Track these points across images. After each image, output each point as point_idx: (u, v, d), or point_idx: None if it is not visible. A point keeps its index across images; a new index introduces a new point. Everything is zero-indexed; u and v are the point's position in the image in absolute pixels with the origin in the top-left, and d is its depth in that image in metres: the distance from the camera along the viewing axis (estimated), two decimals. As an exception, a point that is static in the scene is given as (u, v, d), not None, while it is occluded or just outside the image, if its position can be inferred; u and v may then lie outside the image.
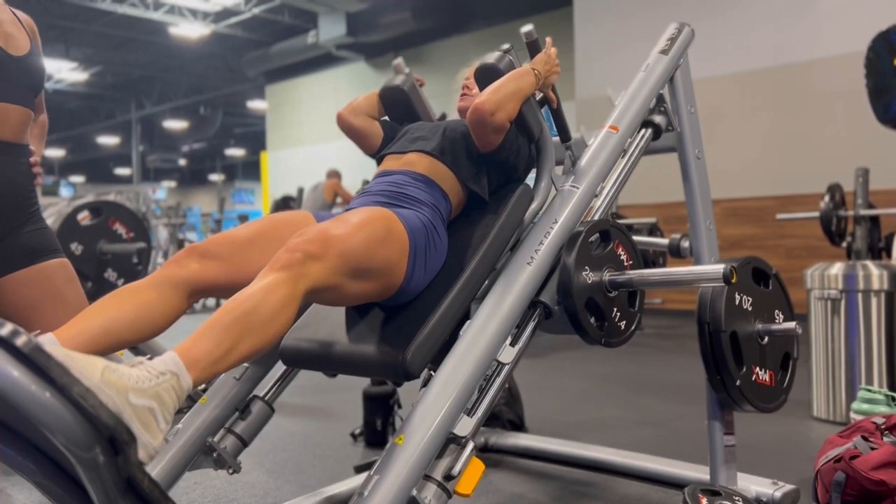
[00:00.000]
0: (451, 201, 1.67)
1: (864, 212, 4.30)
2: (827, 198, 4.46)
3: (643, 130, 1.94)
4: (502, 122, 1.60)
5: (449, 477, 1.30)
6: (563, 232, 1.64)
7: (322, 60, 14.10)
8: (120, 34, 14.35)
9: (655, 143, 1.97)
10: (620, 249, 1.68)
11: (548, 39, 1.82)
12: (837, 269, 3.18)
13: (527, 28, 1.77)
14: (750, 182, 7.11)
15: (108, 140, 23.53)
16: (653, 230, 5.59)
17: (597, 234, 1.65)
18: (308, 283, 1.24)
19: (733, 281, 1.52)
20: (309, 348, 1.57)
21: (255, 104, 18.57)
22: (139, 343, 1.33)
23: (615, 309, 1.62)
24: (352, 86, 14.33)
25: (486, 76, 1.71)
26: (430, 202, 1.59)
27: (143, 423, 0.99)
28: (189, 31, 13.16)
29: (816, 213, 4.48)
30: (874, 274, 3.10)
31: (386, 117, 1.96)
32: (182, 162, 27.26)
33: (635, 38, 7.20)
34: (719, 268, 1.51)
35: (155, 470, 1.51)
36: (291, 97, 15.63)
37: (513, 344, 1.48)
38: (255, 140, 22.45)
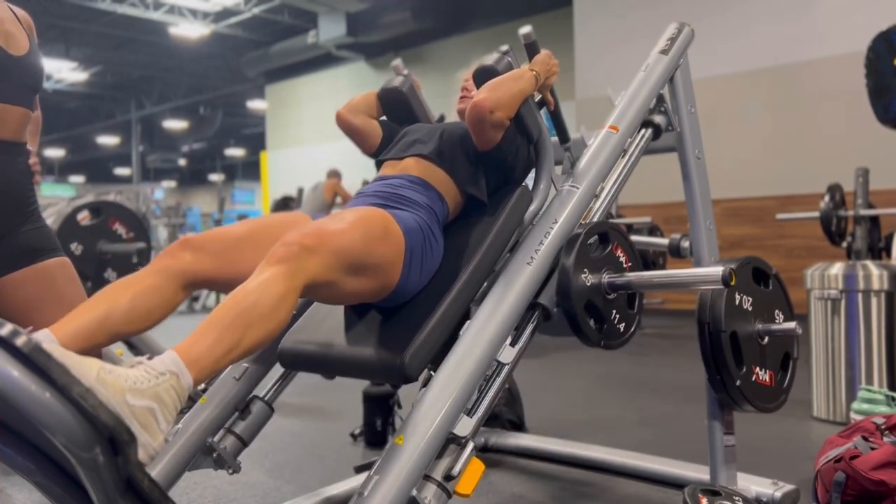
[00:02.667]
0: (448, 204, 1.67)
1: (864, 212, 4.30)
2: (827, 198, 4.46)
3: (643, 130, 1.93)
4: (501, 119, 1.60)
5: (449, 477, 1.30)
6: (562, 232, 1.64)
7: (322, 60, 14.10)
8: (120, 34, 14.35)
9: (655, 142, 1.97)
10: (619, 251, 1.67)
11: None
12: (837, 269, 3.18)
13: (525, 29, 1.77)
14: (750, 182, 7.11)
15: (108, 140, 23.53)
16: (652, 230, 5.58)
17: (595, 236, 1.64)
18: (305, 278, 1.24)
19: (732, 283, 1.51)
20: (307, 350, 1.57)
21: (255, 104, 18.57)
22: (135, 335, 1.34)
23: (614, 311, 1.62)
24: (352, 86, 14.31)
25: (485, 77, 1.71)
26: (426, 204, 1.59)
27: (143, 423, 0.98)
28: (189, 31, 13.16)
29: (816, 213, 4.48)
30: (874, 274, 3.10)
31: (384, 117, 1.96)
32: (182, 162, 27.27)
33: (635, 38, 7.19)
34: (718, 270, 1.50)
35: (155, 470, 1.51)
36: (291, 97, 15.62)
37: (513, 344, 1.48)
38: (255, 140, 22.45)
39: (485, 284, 1.58)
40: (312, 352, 1.56)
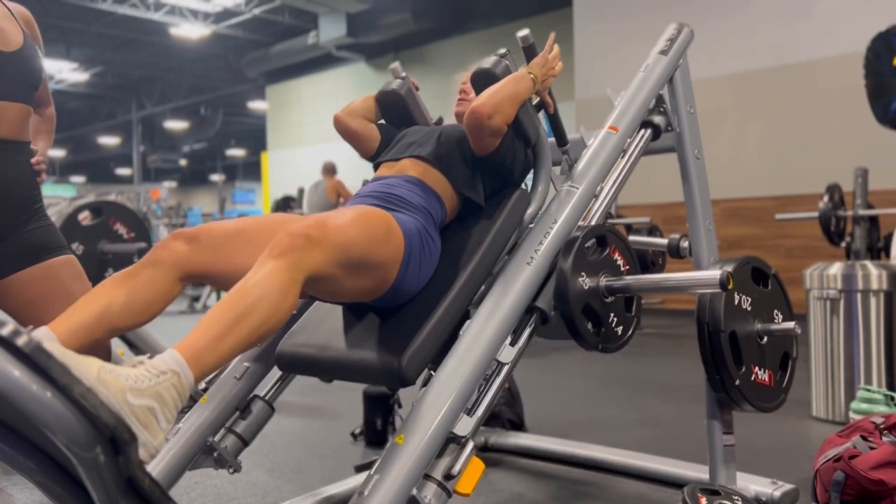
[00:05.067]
0: (446, 206, 1.66)
1: (863, 212, 4.30)
2: (826, 198, 4.46)
3: (642, 131, 1.94)
4: (499, 125, 1.60)
5: (449, 476, 1.31)
6: (562, 233, 1.64)
7: (322, 61, 14.11)
8: (121, 35, 14.36)
9: (655, 143, 1.97)
10: (617, 254, 1.66)
11: (551, 35, 1.81)
12: (836, 269, 3.18)
13: (523, 32, 1.76)
14: (749, 182, 7.12)
15: (109, 140, 23.55)
16: (652, 230, 5.58)
17: (593, 239, 1.64)
18: (307, 270, 1.24)
19: (730, 287, 1.50)
20: (304, 353, 1.57)
21: (256, 104, 18.58)
22: (134, 328, 1.34)
23: (612, 314, 1.61)
24: (352, 86, 14.33)
25: (482, 81, 1.71)
26: (423, 206, 1.58)
27: (143, 422, 0.99)
28: (189, 31, 13.17)
29: (816, 214, 4.48)
30: (873, 274, 3.10)
31: (383, 121, 1.96)
32: (183, 162, 27.27)
33: (635, 39, 7.19)
34: (716, 274, 1.50)
35: (155, 469, 1.51)
36: (292, 97, 15.63)
37: (512, 344, 1.48)
38: (256, 140, 22.46)
39: (483, 287, 1.58)
40: (310, 355, 1.56)
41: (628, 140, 1.88)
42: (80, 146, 24.95)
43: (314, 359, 1.55)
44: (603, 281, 1.60)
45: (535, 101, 1.78)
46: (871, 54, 3.81)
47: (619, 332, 1.62)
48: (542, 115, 1.82)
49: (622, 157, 1.86)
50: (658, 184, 5.74)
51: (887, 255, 4.25)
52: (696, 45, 2.15)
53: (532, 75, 1.70)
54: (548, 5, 10.77)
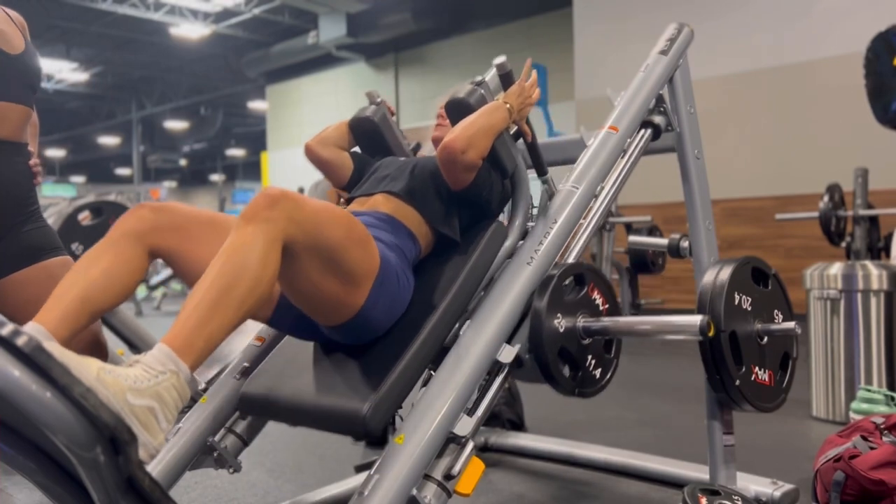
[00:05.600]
0: (420, 243, 1.60)
1: (863, 212, 4.30)
2: (826, 198, 4.46)
3: (642, 131, 1.94)
4: (474, 160, 1.55)
5: (449, 476, 1.31)
6: (562, 233, 1.64)
7: (322, 61, 14.11)
8: (120, 35, 14.36)
9: (655, 143, 1.97)
10: (596, 293, 1.58)
11: (527, 62, 1.76)
12: (837, 269, 3.18)
13: (499, 60, 1.69)
14: (749, 182, 7.11)
15: (109, 140, 23.54)
16: (652, 230, 5.58)
17: (571, 278, 1.56)
18: (283, 233, 1.19)
19: (710, 334, 1.43)
20: (266, 396, 1.50)
21: (256, 104, 18.58)
22: (116, 307, 1.32)
23: (590, 356, 1.54)
24: (352, 86, 14.33)
25: (456, 111, 1.66)
26: (395, 244, 1.51)
27: (143, 422, 0.99)
28: (189, 31, 13.17)
29: (816, 214, 4.48)
30: (873, 274, 3.10)
31: (357, 148, 1.90)
32: (183, 162, 27.27)
33: (635, 39, 7.19)
34: (696, 320, 1.42)
35: (156, 469, 1.51)
36: (292, 97, 15.63)
37: (512, 343, 1.47)
38: (256, 140, 22.45)
39: (456, 325, 1.51)
40: (272, 398, 1.48)
41: (628, 140, 1.88)
42: (80, 146, 24.95)
43: (276, 402, 1.47)
44: (581, 322, 1.52)
45: (513, 129, 1.72)
46: (871, 54, 3.82)
47: (598, 376, 1.55)
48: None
49: (622, 157, 1.86)
50: (658, 184, 5.73)
51: (887, 255, 4.25)
52: (697, 45, 2.15)
53: (508, 105, 1.64)
54: (548, 5, 10.77)
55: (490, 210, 1.69)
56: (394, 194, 1.62)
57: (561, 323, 1.49)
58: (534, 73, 1.74)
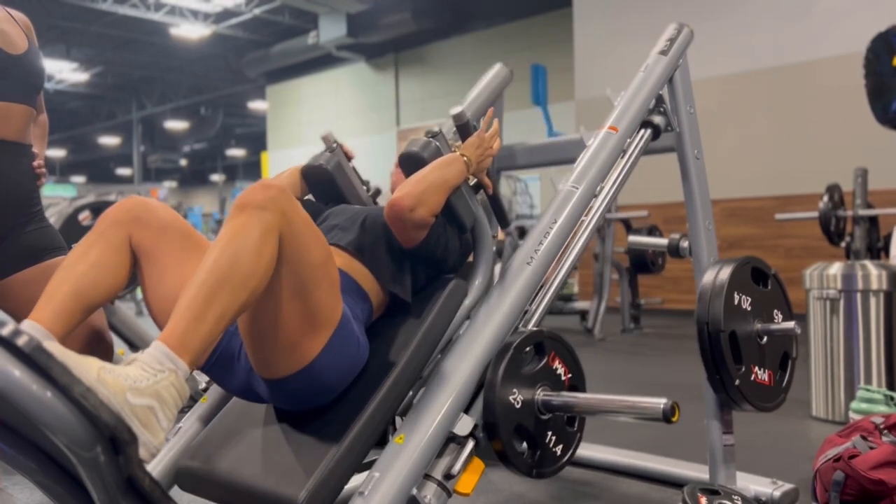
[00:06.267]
0: (372, 301, 1.47)
1: (862, 212, 4.30)
2: (826, 198, 4.46)
3: (642, 131, 1.94)
4: (423, 217, 1.45)
5: (449, 476, 1.31)
6: (562, 232, 1.64)
7: (322, 61, 14.13)
8: (121, 35, 14.37)
9: (655, 143, 1.97)
10: (557, 362, 1.47)
11: (489, 111, 1.70)
12: (836, 268, 3.18)
13: (455, 110, 1.62)
14: (749, 182, 7.11)
15: (109, 140, 23.57)
16: (652, 230, 5.59)
17: (530, 347, 1.45)
18: (277, 223, 1.14)
19: (674, 419, 1.29)
20: (203, 473, 1.38)
21: (256, 104, 18.59)
22: (108, 301, 1.31)
23: (549, 433, 1.42)
24: (352, 86, 14.35)
25: (409, 164, 1.59)
26: (350, 303, 1.38)
27: (143, 422, 0.99)
28: (190, 31, 13.19)
29: (815, 214, 4.48)
30: (873, 274, 3.10)
31: (310, 196, 1.80)
32: (183, 162, 27.30)
33: (635, 39, 7.19)
34: (660, 403, 1.30)
35: (156, 469, 1.52)
36: (292, 97, 15.65)
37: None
38: (256, 140, 22.47)
39: (410, 393, 1.42)
40: (209, 475, 1.36)
41: (628, 140, 1.88)
42: (81, 146, 24.97)
43: (211, 480, 1.36)
44: (540, 395, 1.41)
45: (473, 181, 1.64)
46: (871, 54, 3.82)
47: (558, 453, 1.43)
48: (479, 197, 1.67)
49: (622, 157, 1.86)
50: (658, 184, 5.74)
51: (887, 255, 4.25)
52: (696, 45, 2.15)
53: (465, 158, 1.56)
54: (548, 5, 10.77)
55: (447, 266, 1.57)
56: (342, 248, 1.48)
57: (517, 398, 1.38)
58: (495, 123, 1.67)
